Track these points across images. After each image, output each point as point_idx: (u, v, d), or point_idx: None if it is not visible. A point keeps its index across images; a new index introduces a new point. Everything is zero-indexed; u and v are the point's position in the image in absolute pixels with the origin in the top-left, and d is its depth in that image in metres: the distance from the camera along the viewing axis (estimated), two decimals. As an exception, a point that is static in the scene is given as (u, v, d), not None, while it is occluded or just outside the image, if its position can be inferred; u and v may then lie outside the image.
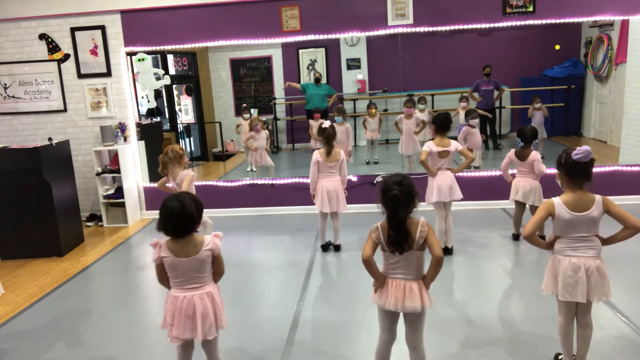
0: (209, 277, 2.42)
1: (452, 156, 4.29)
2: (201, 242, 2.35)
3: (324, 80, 8.08)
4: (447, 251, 4.39)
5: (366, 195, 5.74)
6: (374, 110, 7.06)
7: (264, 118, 7.38)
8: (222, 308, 2.46)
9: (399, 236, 2.27)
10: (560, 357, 2.72)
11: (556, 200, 2.47)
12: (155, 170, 6.38)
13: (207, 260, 2.36)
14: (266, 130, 6.67)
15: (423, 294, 2.34)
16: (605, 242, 2.51)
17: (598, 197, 2.44)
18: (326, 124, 4.43)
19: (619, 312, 3.24)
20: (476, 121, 6.06)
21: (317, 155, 4.48)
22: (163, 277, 2.42)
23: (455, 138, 4.93)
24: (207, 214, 4.41)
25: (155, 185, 4.52)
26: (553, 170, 4.50)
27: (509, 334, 3.07)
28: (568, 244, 2.48)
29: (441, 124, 4.24)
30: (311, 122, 6.99)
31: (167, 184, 4.43)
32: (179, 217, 2.26)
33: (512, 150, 4.53)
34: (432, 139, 4.32)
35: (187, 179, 4.11)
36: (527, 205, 4.55)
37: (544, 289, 2.59)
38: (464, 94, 7.05)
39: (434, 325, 3.16)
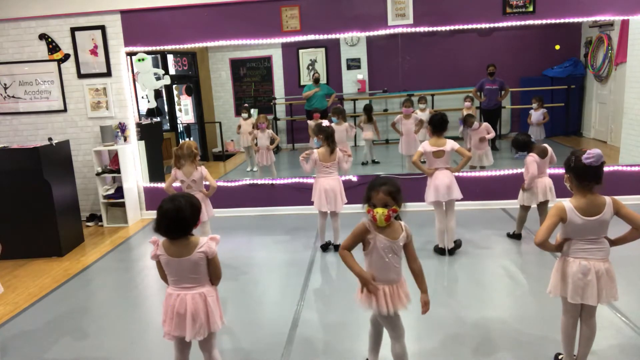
0: (205, 278, 2.39)
1: (449, 156, 4.29)
2: (195, 243, 2.33)
3: (323, 80, 8.08)
4: (449, 252, 4.40)
5: (366, 195, 5.74)
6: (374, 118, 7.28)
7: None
8: (218, 310, 2.42)
9: None
10: (560, 357, 2.71)
11: (567, 204, 2.41)
12: (155, 170, 6.42)
13: (200, 262, 2.33)
14: (270, 130, 6.68)
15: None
16: (614, 243, 2.48)
17: (608, 200, 2.40)
18: (325, 123, 4.45)
19: (619, 312, 3.24)
20: (476, 124, 6.06)
21: (316, 154, 4.51)
22: (163, 274, 2.44)
23: (454, 138, 4.92)
24: (207, 214, 4.40)
25: (164, 187, 4.54)
26: (554, 170, 4.56)
27: (509, 334, 3.07)
28: (577, 246, 2.44)
29: (437, 124, 4.25)
30: (310, 122, 6.99)
31: (173, 184, 4.44)
32: (172, 219, 2.27)
33: (534, 155, 4.38)
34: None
35: (207, 172, 4.30)
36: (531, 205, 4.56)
37: (552, 291, 2.55)
38: (469, 94, 7.04)
39: (434, 326, 3.16)
